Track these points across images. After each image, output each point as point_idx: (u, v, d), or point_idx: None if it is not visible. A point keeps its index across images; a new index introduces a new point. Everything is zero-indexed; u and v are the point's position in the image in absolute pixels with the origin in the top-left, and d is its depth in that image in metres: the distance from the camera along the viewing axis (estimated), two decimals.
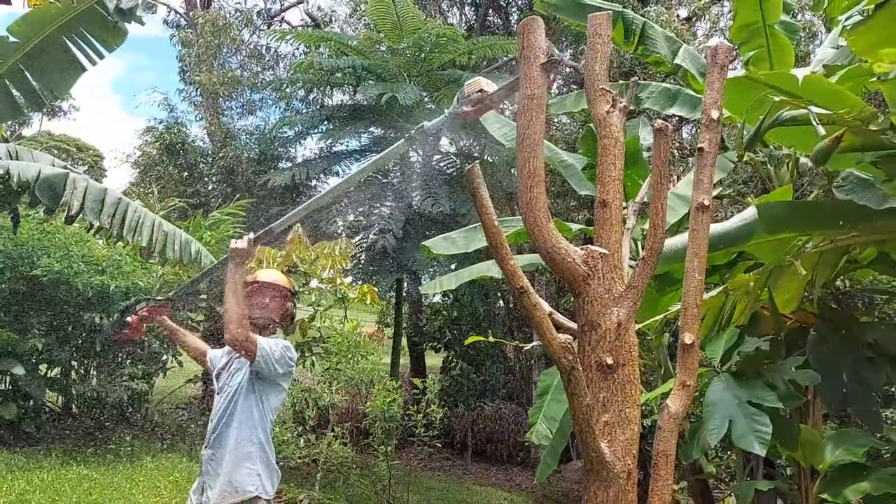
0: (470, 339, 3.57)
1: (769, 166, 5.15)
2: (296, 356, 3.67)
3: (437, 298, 14.21)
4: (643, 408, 4.08)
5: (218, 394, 3.51)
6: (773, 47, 5.18)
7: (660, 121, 2.34)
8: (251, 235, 3.38)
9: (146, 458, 7.52)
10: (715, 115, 2.49)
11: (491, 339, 3.13)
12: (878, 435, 5.50)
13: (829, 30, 9.86)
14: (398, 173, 12.36)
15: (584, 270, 2.24)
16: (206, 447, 3.43)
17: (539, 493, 11.76)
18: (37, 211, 6.86)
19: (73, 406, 8.65)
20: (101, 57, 5.02)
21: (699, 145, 2.49)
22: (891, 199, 3.47)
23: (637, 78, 2.90)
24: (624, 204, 2.49)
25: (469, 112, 2.69)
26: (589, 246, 2.29)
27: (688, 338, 2.34)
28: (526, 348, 2.21)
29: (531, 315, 2.08)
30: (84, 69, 5.00)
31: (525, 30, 2.33)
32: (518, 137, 2.26)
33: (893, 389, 6.61)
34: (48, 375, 8.15)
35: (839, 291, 4.94)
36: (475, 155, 13.31)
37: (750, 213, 4.01)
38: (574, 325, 2.35)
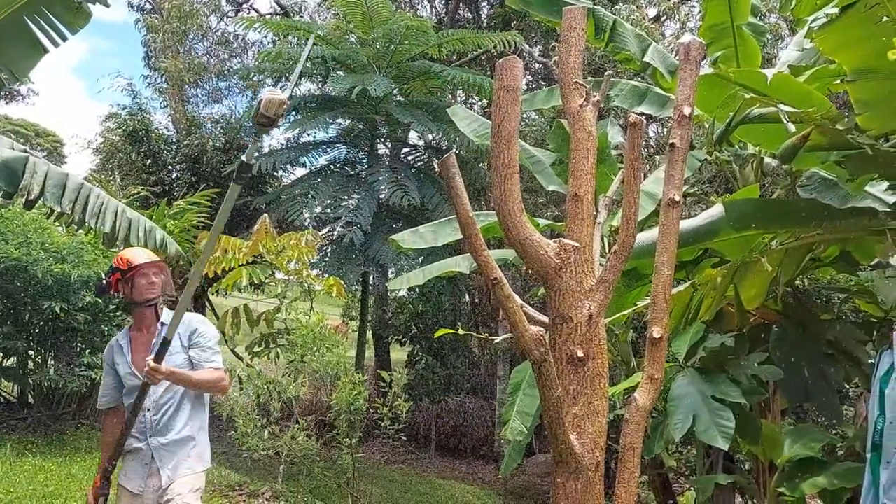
0: (439, 332, 3.55)
1: (734, 165, 5.22)
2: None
3: (403, 292, 14.17)
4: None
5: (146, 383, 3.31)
6: (740, 48, 5.25)
7: (634, 115, 2.35)
8: (152, 363, 3.22)
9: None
10: (687, 111, 2.51)
11: (460, 331, 3.11)
12: (834, 431, 5.63)
13: (793, 33, 10.03)
14: (366, 165, 12.28)
15: (557, 263, 2.24)
16: (150, 436, 3.39)
17: (502, 487, 11.82)
18: None
19: (30, 396, 8.45)
20: (64, 38, 4.87)
21: (671, 141, 2.50)
22: (853, 199, 3.55)
23: (610, 73, 2.91)
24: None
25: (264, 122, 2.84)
26: (562, 239, 2.30)
27: (656, 332, 2.35)
28: (496, 341, 2.22)
29: (504, 306, 2.08)
30: (46, 51, 4.85)
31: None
32: (493, 129, 2.25)
33: (849, 386, 6.77)
34: (3, 365, 7.96)
35: (798, 290, 5.03)
36: (444, 147, 13.29)
37: (716, 210, 4.07)
38: (545, 318, 2.36)
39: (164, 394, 3.43)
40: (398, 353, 15.52)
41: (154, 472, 3.39)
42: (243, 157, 2.93)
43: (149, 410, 3.39)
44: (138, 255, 3.55)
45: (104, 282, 3.61)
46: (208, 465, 3.59)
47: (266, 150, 13.35)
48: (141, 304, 3.50)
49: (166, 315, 3.54)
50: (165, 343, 3.28)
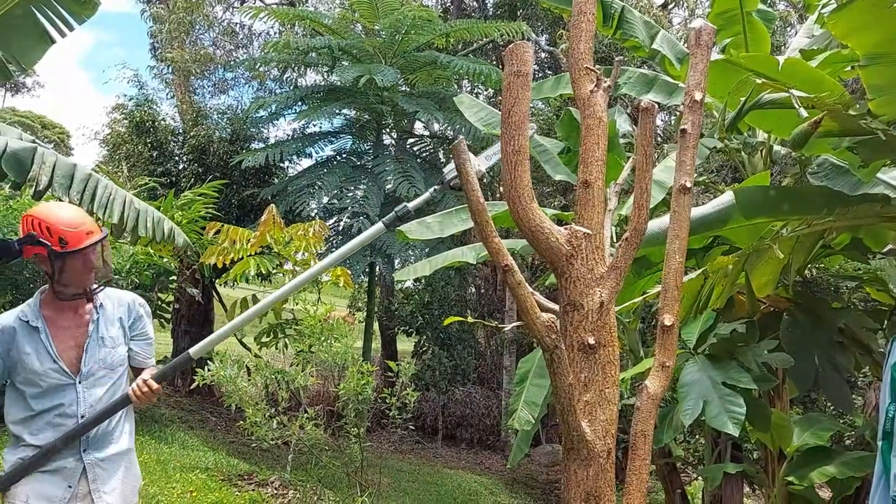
0: (448, 320, 3.53)
1: (743, 154, 5.19)
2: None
3: (409, 283, 14.19)
4: None
5: (81, 384, 2.66)
6: (749, 35, 5.21)
7: (647, 100, 2.33)
8: (152, 385, 2.70)
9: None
10: (698, 96, 2.49)
11: (469, 319, 3.10)
12: (843, 420, 5.61)
13: (802, 20, 9.96)
14: (372, 156, 12.26)
15: (568, 250, 2.23)
16: (84, 450, 2.65)
17: (508, 476, 11.84)
18: (1, 186, 6.68)
19: None
20: (71, 29, 4.88)
21: (682, 126, 2.48)
22: (865, 185, 3.52)
23: (621, 58, 2.89)
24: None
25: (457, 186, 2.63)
26: (573, 225, 2.28)
27: (667, 319, 2.34)
28: (506, 329, 2.20)
29: (515, 293, 2.07)
30: (53, 41, 4.86)
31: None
32: (503, 115, 2.23)
33: (858, 375, 6.75)
34: None
35: (806, 279, 5.02)
36: (450, 137, 13.26)
37: (726, 198, 4.05)
38: (555, 306, 2.35)
39: (104, 395, 2.68)
40: (404, 344, 15.54)
41: (81, 496, 2.63)
42: (410, 206, 2.63)
43: (82, 417, 2.63)
44: (73, 225, 2.61)
45: (11, 246, 2.63)
46: (141, 481, 2.95)
47: (272, 140, 13.36)
48: (65, 295, 2.67)
49: (104, 292, 2.78)
50: (185, 361, 2.72)
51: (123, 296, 2.86)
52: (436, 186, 2.64)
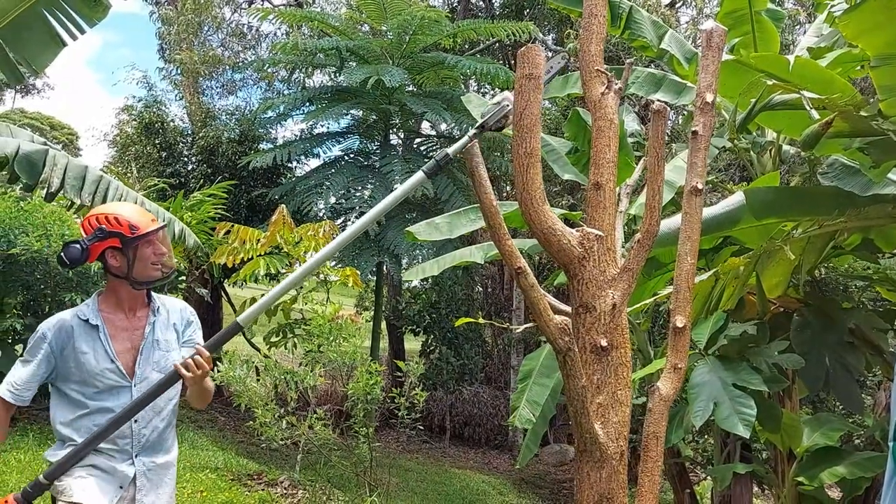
0: (459, 321, 3.54)
1: (752, 153, 5.19)
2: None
3: (416, 282, 14.20)
4: None
5: (136, 387, 2.60)
6: (758, 34, 5.20)
7: (658, 102, 2.33)
8: (203, 353, 2.55)
9: None
10: (709, 98, 2.49)
11: (480, 320, 3.12)
12: (852, 420, 5.60)
13: (811, 18, 9.92)
14: (380, 156, 12.28)
15: (580, 252, 2.24)
16: (136, 455, 2.61)
17: (516, 476, 11.85)
18: (13, 188, 6.73)
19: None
20: (82, 31, 4.90)
21: (693, 128, 2.49)
22: (876, 186, 3.52)
23: (632, 60, 2.90)
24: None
25: (495, 127, 2.59)
26: (584, 227, 2.29)
27: (679, 321, 2.35)
28: (518, 330, 2.20)
29: (528, 295, 2.08)
30: (64, 44, 4.88)
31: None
32: (515, 117, 2.24)
33: (868, 374, 6.73)
34: None
35: (816, 279, 5.01)
36: (456, 137, 13.26)
37: (736, 198, 4.04)
38: (567, 308, 2.36)
39: (160, 400, 2.62)
40: (412, 343, 15.55)
41: (128, 500, 2.59)
42: (449, 151, 2.53)
43: (136, 421, 2.58)
44: (138, 214, 2.67)
45: (79, 247, 2.56)
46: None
47: (280, 141, 13.39)
48: (142, 284, 2.65)
49: (160, 299, 2.78)
50: (235, 330, 2.64)
51: (175, 303, 2.86)
52: (474, 130, 2.51)
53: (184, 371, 2.50)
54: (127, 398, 2.57)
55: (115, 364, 2.58)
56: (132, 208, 2.72)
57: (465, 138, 2.46)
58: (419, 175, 2.57)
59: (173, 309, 2.80)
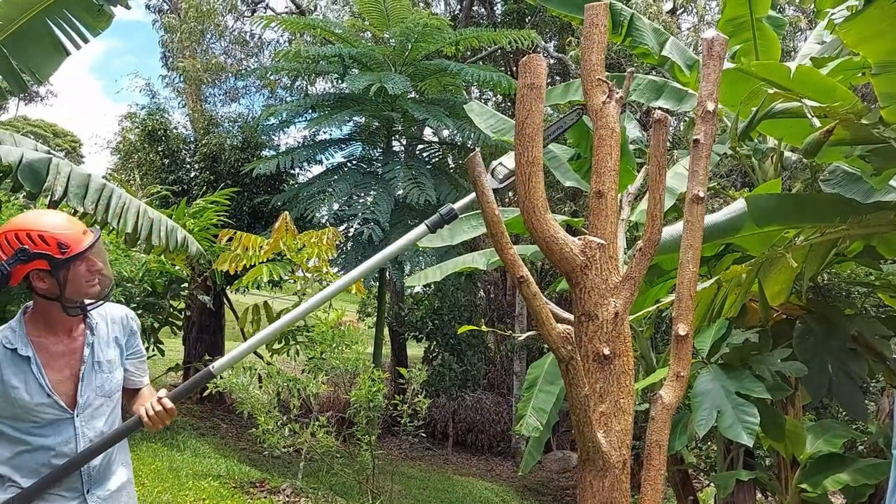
0: (462, 329, 3.54)
1: (754, 160, 5.19)
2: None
3: (419, 288, 14.21)
4: None
5: (79, 417, 2.32)
6: (759, 41, 5.21)
7: (659, 111, 2.34)
8: (167, 404, 2.32)
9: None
10: (711, 106, 2.50)
11: (483, 328, 3.12)
12: (856, 427, 5.58)
13: (811, 25, 9.93)
14: (382, 162, 12.30)
15: (582, 260, 2.24)
16: (87, 490, 2.34)
17: (519, 483, 11.83)
18: (17, 197, 6.75)
19: None
20: (86, 41, 4.93)
21: (694, 137, 2.49)
22: (878, 193, 3.52)
23: (633, 70, 2.90)
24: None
25: (497, 188, 2.58)
26: (587, 236, 2.30)
27: (682, 329, 2.35)
28: (521, 338, 2.19)
29: (530, 304, 2.08)
30: (68, 53, 4.91)
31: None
32: (517, 126, 2.25)
33: (870, 381, 6.72)
34: None
35: (819, 285, 5.01)
36: (458, 144, 13.30)
37: (738, 205, 4.05)
38: (570, 316, 2.36)
39: (104, 427, 2.37)
40: (414, 350, 15.55)
41: None
42: (455, 207, 2.47)
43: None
44: (66, 227, 2.25)
45: (2, 271, 2.18)
46: None
47: (283, 148, 13.43)
48: (76, 307, 2.32)
49: (96, 310, 2.42)
50: (206, 378, 2.40)
51: (115, 311, 2.50)
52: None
53: (147, 421, 2.31)
54: (70, 431, 2.29)
55: (51, 398, 2.25)
56: (59, 220, 2.28)
57: (472, 195, 2.43)
58: (422, 228, 2.51)
59: (113, 319, 2.48)
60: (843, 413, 7.27)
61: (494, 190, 2.49)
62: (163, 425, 2.35)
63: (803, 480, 4.31)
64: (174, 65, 14.74)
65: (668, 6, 14.07)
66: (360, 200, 11.67)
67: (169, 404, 2.31)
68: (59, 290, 2.23)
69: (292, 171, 12.77)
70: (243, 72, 15.28)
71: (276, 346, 8.33)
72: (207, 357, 9.02)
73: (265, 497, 6.89)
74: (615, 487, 2.16)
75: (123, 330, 2.49)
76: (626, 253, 2.82)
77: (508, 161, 2.46)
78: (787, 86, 3.37)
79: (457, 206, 2.48)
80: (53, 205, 4.47)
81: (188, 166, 12.55)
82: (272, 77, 14.22)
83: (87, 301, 2.35)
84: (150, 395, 2.48)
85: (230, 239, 8.26)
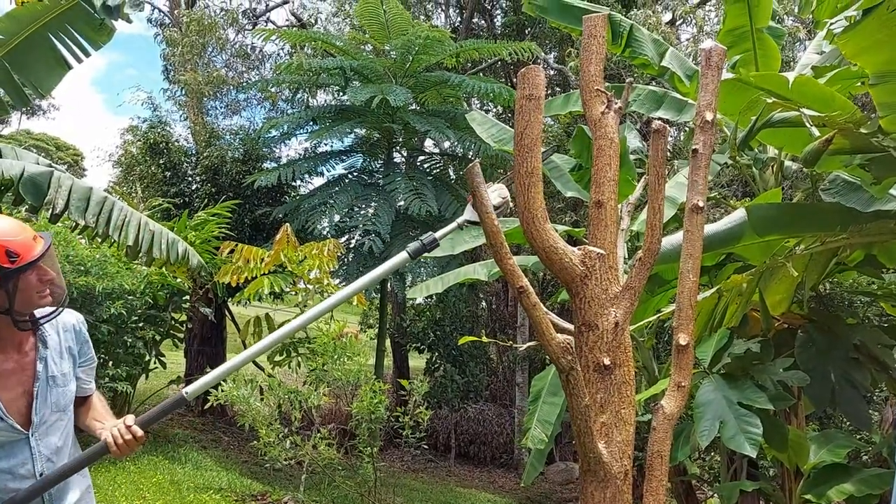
0: (463, 339, 3.53)
1: (754, 169, 5.20)
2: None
3: (420, 299, 14.19)
4: None
5: (34, 436, 2.20)
6: (759, 51, 5.23)
7: (658, 122, 2.35)
8: (137, 432, 2.22)
9: (128, 460, 7.43)
10: (709, 116, 2.51)
11: (485, 339, 3.11)
12: (859, 436, 5.56)
13: (810, 35, 9.97)
14: (383, 174, 12.32)
15: (582, 271, 2.24)
16: None
17: (522, 495, 11.77)
18: (18, 210, 6.77)
19: None
20: (88, 55, 4.97)
21: (693, 147, 2.50)
22: (878, 202, 3.52)
23: (632, 80, 2.92)
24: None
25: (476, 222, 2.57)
26: (586, 246, 2.30)
27: (682, 339, 2.35)
28: (522, 349, 2.17)
29: (530, 314, 2.08)
30: (70, 67, 4.95)
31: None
32: (516, 137, 2.26)
33: (874, 390, 6.69)
34: None
35: (821, 294, 5.00)
36: (459, 155, 13.32)
37: (739, 215, 4.05)
38: (570, 326, 2.36)
39: (59, 441, 2.26)
40: (416, 361, 15.52)
41: None
42: (436, 235, 2.46)
43: (40, 474, 2.19)
44: (16, 234, 2.08)
45: None
46: None
47: (284, 160, 13.46)
48: (27, 320, 2.17)
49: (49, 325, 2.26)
50: (178, 403, 2.30)
51: (66, 318, 2.34)
52: (460, 220, 2.50)
53: (115, 450, 2.20)
54: (26, 452, 2.17)
55: (5, 422, 2.12)
56: (8, 226, 2.09)
57: (454, 224, 2.48)
58: (403, 255, 2.50)
59: (66, 328, 2.32)
60: (847, 423, 7.24)
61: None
62: (130, 452, 2.24)
63: (807, 491, 4.29)
64: (176, 78, 14.79)
65: (667, 17, 14.12)
66: (362, 212, 11.67)
67: (139, 432, 2.20)
68: (8, 302, 2.07)
69: (293, 184, 12.78)
70: (244, 85, 15.33)
71: (278, 357, 8.32)
72: (209, 369, 9.01)
73: None
74: (617, 498, 2.15)
75: (77, 338, 2.35)
76: (626, 263, 2.82)
77: (494, 195, 2.45)
78: (785, 95, 3.38)
79: (438, 234, 2.50)
80: (55, 218, 4.49)
81: (190, 179, 12.57)
82: (273, 90, 14.26)
83: (37, 313, 2.21)
84: (100, 405, 2.40)
85: (231, 251, 8.27)
